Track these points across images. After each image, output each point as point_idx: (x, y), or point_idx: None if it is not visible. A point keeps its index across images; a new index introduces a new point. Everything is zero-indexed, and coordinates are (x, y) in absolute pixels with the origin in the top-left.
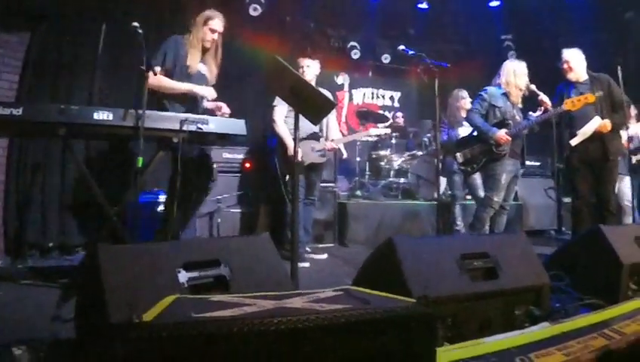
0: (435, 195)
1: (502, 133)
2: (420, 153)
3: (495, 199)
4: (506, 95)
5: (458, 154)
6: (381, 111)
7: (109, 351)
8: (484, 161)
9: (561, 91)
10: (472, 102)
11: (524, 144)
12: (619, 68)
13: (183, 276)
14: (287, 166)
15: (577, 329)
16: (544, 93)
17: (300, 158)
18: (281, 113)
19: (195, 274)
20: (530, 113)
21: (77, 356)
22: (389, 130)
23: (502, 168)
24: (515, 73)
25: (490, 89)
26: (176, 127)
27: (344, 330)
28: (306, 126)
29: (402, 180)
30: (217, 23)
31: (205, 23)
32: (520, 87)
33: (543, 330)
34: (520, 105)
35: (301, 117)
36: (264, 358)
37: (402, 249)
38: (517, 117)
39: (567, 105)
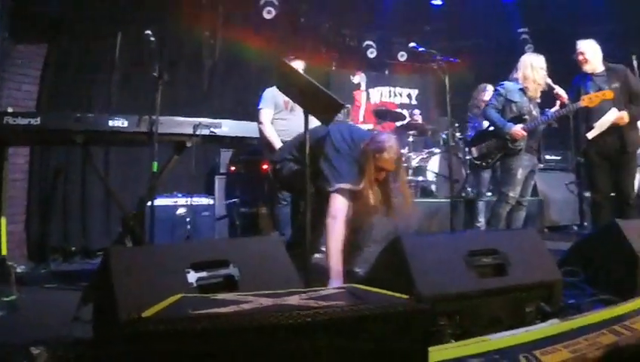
0: (460, 192)
1: (517, 129)
2: (437, 150)
3: (511, 194)
4: (522, 90)
5: (473, 149)
6: (399, 110)
7: (113, 349)
8: (500, 156)
9: (578, 84)
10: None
11: (541, 139)
12: (634, 58)
13: (192, 276)
14: None
15: (586, 326)
16: (563, 86)
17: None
18: (268, 115)
19: (203, 274)
20: (547, 109)
21: (91, 355)
22: None
23: (518, 163)
24: (532, 67)
25: (507, 84)
26: (190, 131)
27: (332, 326)
28: (298, 128)
29: (420, 178)
30: (388, 158)
31: (374, 156)
32: (537, 82)
33: (550, 327)
34: (538, 100)
35: (289, 119)
36: (249, 353)
37: (409, 247)
38: (534, 112)
39: (585, 101)
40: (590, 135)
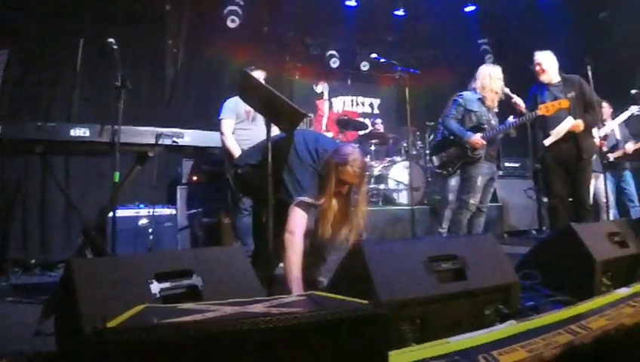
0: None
1: (477, 138)
2: (399, 159)
3: (471, 201)
4: (481, 100)
5: (434, 158)
6: (361, 119)
7: (77, 361)
8: (460, 165)
9: (535, 93)
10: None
11: (500, 147)
12: (588, 68)
13: (155, 287)
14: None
15: (543, 326)
16: (522, 95)
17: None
18: (229, 126)
19: (167, 284)
20: (508, 119)
21: None
22: None
23: (477, 171)
24: (490, 77)
25: (466, 94)
26: (152, 141)
27: (293, 332)
28: (260, 138)
29: (382, 186)
30: (351, 172)
31: (336, 169)
32: (495, 91)
33: (508, 328)
34: (496, 110)
35: (251, 129)
36: (214, 360)
37: (370, 253)
38: (492, 121)
39: (542, 110)
40: (547, 142)
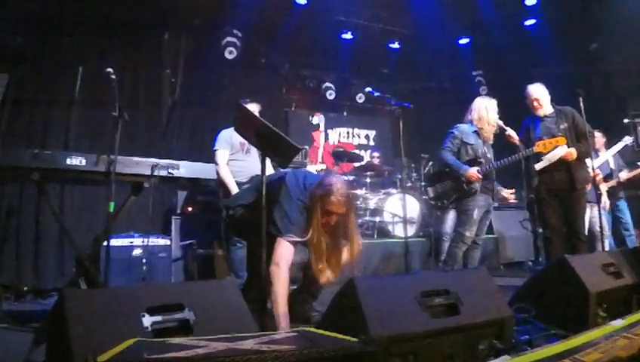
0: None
1: (473, 171)
2: (394, 191)
3: (467, 234)
4: (477, 132)
5: (429, 189)
6: (356, 151)
7: None
8: (456, 197)
9: (528, 125)
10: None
11: (496, 180)
12: (580, 99)
13: (147, 320)
14: None
15: (538, 361)
16: (515, 127)
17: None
18: (224, 156)
19: (158, 318)
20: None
21: None
22: None
23: (474, 204)
24: (487, 109)
25: (462, 126)
26: (148, 172)
27: None
28: (254, 170)
29: (378, 219)
30: (336, 201)
31: (321, 200)
32: (491, 123)
33: None
34: (491, 142)
35: (245, 160)
36: None
37: (362, 289)
38: (488, 154)
39: (539, 147)
40: (538, 166)
